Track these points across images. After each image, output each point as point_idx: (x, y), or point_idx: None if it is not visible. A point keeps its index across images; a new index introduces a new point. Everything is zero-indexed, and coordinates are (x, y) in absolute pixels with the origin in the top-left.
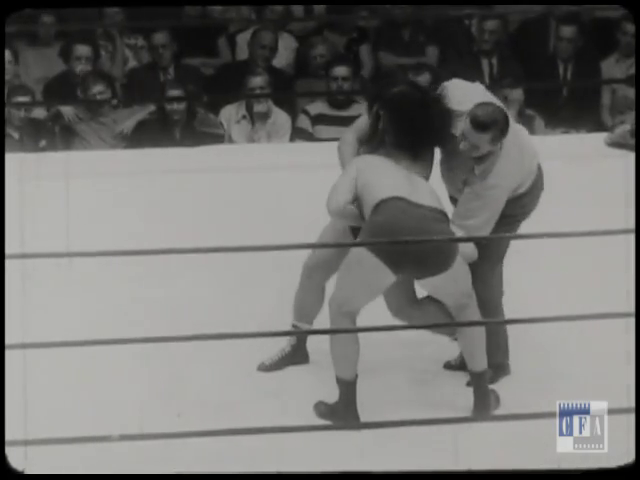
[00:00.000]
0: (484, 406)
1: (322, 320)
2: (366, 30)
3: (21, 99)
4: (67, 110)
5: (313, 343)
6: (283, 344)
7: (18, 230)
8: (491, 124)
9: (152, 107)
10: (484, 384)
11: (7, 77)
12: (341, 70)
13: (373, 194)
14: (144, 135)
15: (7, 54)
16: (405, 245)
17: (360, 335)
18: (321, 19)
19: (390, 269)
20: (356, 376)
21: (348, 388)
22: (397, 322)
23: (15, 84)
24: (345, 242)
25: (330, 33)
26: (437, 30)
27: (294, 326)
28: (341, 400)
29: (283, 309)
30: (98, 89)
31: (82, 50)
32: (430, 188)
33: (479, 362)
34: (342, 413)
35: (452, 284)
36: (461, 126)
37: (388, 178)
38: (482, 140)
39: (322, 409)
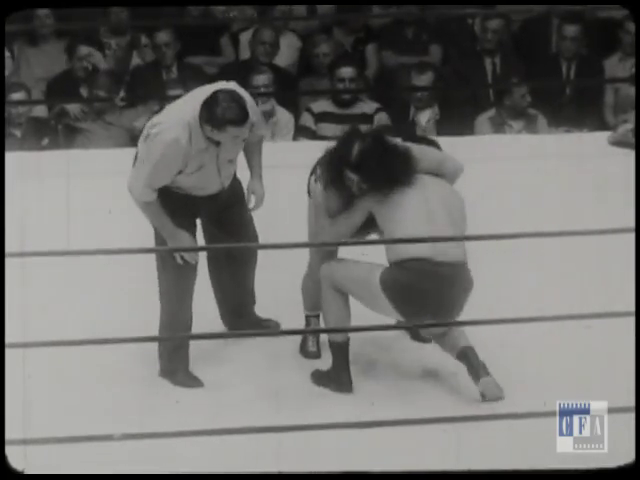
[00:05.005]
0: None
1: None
2: (373, 29)
3: (16, 96)
4: (73, 107)
5: None
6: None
7: (18, 228)
8: None
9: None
10: (473, 358)
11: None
12: (347, 71)
13: (396, 249)
14: None
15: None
16: (424, 305)
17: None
18: (324, 18)
19: (399, 315)
20: (348, 339)
21: (341, 351)
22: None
23: (11, 81)
24: (345, 242)
25: (338, 32)
26: (440, 29)
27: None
28: (335, 365)
29: (282, 307)
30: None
31: (86, 48)
32: (449, 217)
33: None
34: (336, 377)
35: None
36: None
37: (410, 223)
38: None
39: (317, 375)
